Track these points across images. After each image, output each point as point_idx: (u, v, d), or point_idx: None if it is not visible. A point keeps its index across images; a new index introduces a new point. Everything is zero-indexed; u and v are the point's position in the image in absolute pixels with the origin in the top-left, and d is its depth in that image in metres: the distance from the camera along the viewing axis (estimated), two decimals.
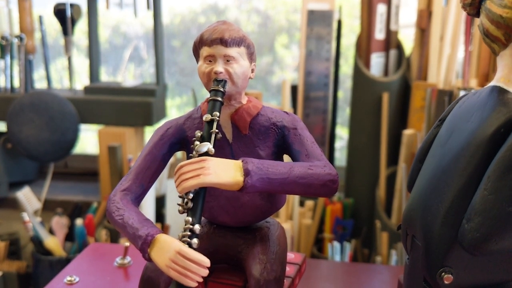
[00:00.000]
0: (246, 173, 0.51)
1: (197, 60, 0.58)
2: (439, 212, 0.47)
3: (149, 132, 1.71)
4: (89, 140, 1.98)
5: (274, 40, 1.89)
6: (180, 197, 0.52)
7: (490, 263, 0.46)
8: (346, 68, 1.77)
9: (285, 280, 0.59)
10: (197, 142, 0.54)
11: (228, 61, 0.55)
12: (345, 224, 1.40)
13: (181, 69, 1.96)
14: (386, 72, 1.49)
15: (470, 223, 0.43)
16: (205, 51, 0.56)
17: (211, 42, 0.55)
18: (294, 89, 1.49)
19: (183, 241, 0.50)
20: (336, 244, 1.26)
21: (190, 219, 0.51)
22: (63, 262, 1.32)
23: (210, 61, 0.56)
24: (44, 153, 1.53)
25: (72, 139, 1.55)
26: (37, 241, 1.36)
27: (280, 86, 1.39)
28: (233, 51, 0.56)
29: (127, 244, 0.86)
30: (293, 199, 1.36)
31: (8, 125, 1.54)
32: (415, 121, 1.36)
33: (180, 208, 0.52)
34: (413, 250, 0.52)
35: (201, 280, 0.50)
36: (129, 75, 1.88)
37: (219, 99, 0.55)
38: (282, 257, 0.58)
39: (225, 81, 0.55)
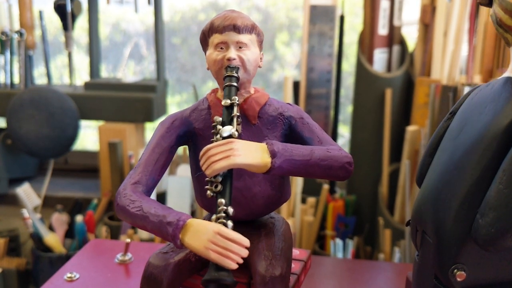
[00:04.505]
0: (273, 154, 0.52)
1: (205, 49, 0.58)
2: (452, 207, 0.45)
3: (150, 129, 1.70)
4: (89, 136, 1.97)
5: (274, 37, 1.88)
6: (208, 181, 0.52)
7: (504, 260, 0.45)
8: (347, 66, 1.76)
9: (290, 277, 0.57)
10: (219, 127, 0.53)
11: (240, 47, 0.56)
12: (347, 221, 1.39)
13: (182, 65, 1.95)
14: (389, 68, 1.48)
15: (485, 218, 0.42)
16: (216, 38, 0.56)
17: (223, 28, 0.55)
18: (295, 85, 1.48)
19: (220, 223, 0.49)
20: (338, 241, 1.25)
21: (223, 201, 0.50)
22: (63, 259, 1.31)
23: (221, 48, 0.56)
24: (44, 149, 1.52)
25: (72, 135, 1.54)
26: (37, 238, 1.35)
27: (281, 83, 1.38)
28: (245, 38, 0.56)
29: (128, 240, 0.85)
30: (295, 196, 1.35)
31: (8, 121, 1.52)
32: (418, 117, 1.35)
33: (209, 192, 0.51)
34: (424, 246, 0.50)
35: (241, 261, 0.48)
36: (129, 72, 1.87)
37: (235, 84, 0.55)
38: (287, 253, 0.56)
39: (238, 68, 0.55)
